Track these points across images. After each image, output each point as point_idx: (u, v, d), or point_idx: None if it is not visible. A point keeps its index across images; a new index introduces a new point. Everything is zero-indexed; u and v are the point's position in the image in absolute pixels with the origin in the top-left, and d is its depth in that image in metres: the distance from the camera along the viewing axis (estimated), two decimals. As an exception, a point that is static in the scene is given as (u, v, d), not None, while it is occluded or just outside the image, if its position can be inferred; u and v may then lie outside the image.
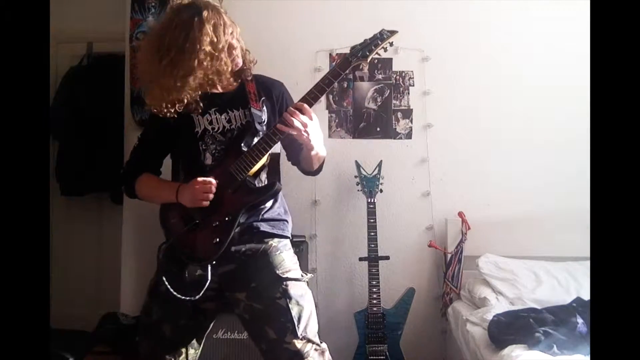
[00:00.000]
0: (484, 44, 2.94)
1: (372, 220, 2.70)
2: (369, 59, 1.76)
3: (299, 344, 1.66)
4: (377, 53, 1.77)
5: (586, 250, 1.31)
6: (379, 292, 2.65)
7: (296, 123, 1.66)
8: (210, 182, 1.69)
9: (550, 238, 2.79)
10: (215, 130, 1.78)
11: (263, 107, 1.82)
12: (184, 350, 1.79)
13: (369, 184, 2.74)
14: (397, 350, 2.69)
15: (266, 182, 1.81)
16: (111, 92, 3.24)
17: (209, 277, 1.69)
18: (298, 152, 1.85)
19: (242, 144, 1.74)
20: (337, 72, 1.73)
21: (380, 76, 2.94)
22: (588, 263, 2.05)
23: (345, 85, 2.94)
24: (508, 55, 2.93)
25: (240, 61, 1.82)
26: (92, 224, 3.68)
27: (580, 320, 2.08)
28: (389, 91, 2.96)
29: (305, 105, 1.69)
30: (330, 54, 2.92)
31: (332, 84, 1.74)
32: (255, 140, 1.75)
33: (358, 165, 2.78)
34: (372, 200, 2.73)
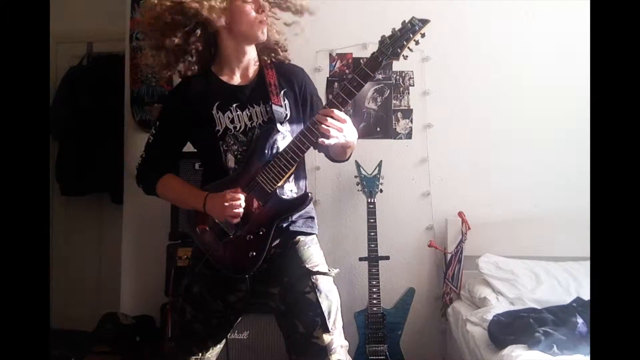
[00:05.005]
0: (484, 44, 2.94)
1: (372, 220, 2.70)
2: (400, 58, 1.59)
3: (327, 338, 1.63)
4: (408, 48, 1.60)
5: (586, 250, 1.31)
6: (379, 292, 2.65)
7: (333, 132, 1.58)
8: (239, 197, 1.60)
9: (550, 238, 2.79)
10: (237, 129, 1.70)
11: (284, 100, 1.74)
12: (211, 345, 1.79)
13: (369, 184, 2.74)
14: (397, 350, 2.69)
15: (296, 190, 1.74)
16: (111, 92, 3.25)
17: (248, 285, 1.70)
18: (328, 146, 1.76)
19: (266, 149, 1.67)
20: (367, 73, 1.60)
21: (380, 76, 2.94)
22: (588, 263, 2.05)
23: (345, 85, 2.94)
24: (508, 55, 2.94)
25: (264, 36, 1.70)
26: (92, 224, 3.68)
27: (580, 320, 2.08)
28: (389, 91, 2.96)
29: (335, 111, 1.59)
30: (330, 54, 2.91)
31: (361, 87, 1.60)
32: (279, 141, 1.69)
33: (358, 165, 2.77)
34: (372, 200, 2.72)
